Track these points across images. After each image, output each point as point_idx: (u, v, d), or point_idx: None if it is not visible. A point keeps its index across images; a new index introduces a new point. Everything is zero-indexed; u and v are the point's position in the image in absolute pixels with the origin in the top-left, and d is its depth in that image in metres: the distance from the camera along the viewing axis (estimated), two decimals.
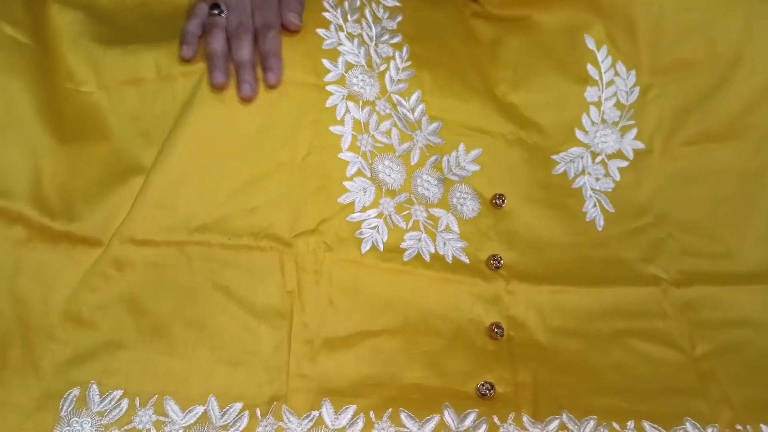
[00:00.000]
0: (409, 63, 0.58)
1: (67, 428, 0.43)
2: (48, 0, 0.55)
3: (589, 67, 0.61)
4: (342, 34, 0.57)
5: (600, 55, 0.61)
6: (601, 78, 0.61)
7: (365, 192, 0.54)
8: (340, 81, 0.55)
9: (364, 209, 0.53)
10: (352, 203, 0.53)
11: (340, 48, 0.56)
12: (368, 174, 0.54)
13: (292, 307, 0.49)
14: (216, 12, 0.54)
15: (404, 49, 0.59)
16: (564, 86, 0.61)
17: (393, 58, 0.58)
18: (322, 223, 0.52)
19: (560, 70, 0.61)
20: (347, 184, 0.54)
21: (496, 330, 0.51)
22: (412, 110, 0.57)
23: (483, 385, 0.47)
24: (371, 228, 0.53)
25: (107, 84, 0.53)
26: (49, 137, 0.52)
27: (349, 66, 0.56)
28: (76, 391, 0.45)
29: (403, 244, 0.53)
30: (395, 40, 0.59)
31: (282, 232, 0.51)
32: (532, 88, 0.61)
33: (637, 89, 0.61)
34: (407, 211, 0.55)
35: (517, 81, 0.61)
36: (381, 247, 0.53)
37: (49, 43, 0.54)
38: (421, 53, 0.59)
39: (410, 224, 0.54)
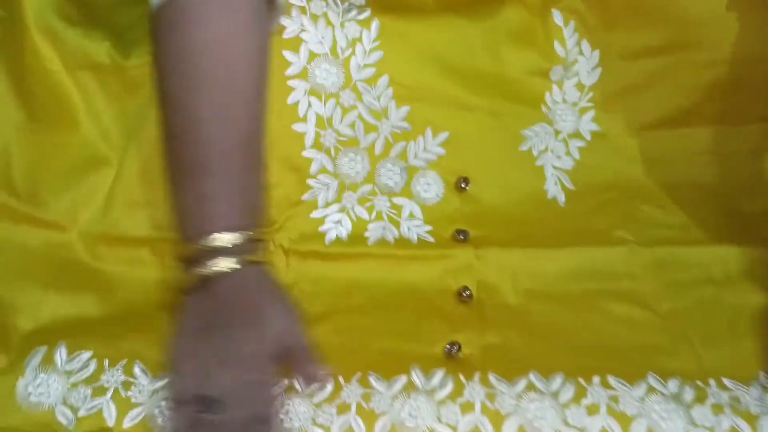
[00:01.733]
0: (377, 43, 0.58)
1: (33, 381, 0.46)
2: None
3: (556, 45, 0.60)
4: (305, 18, 0.56)
5: (567, 32, 0.60)
6: (566, 56, 0.60)
7: (328, 188, 0.56)
8: (302, 74, 0.55)
9: (327, 205, 0.56)
10: (315, 200, 0.55)
11: (302, 35, 0.56)
12: (331, 170, 0.56)
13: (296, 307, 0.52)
14: (215, 410, 0.43)
15: (372, 26, 0.58)
16: (534, 62, 0.60)
17: (360, 39, 0.57)
18: (287, 220, 0.54)
19: (533, 45, 0.60)
20: (310, 181, 0.56)
21: (464, 294, 0.53)
22: (379, 97, 0.58)
23: (449, 345, 0.49)
24: (334, 222, 0.55)
25: (70, 66, 0.54)
26: (21, 114, 0.54)
27: (312, 56, 0.56)
28: (43, 349, 0.47)
29: (367, 233, 0.56)
30: (363, 16, 0.58)
31: None
32: (508, 60, 0.60)
33: (598, 70, 0.60)
34: (370, 203, 0.56)
35: (495, 51, 0.60)
36: (345, 237, 0.55)
37: (17, 15, 0.54)
38: (392, 26, 0.58)
39: (373, 215, 0.56)
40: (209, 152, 0.48)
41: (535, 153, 0.60)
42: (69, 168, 0.54)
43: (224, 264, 0.46)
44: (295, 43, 0.55)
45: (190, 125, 0.48)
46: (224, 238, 0.47)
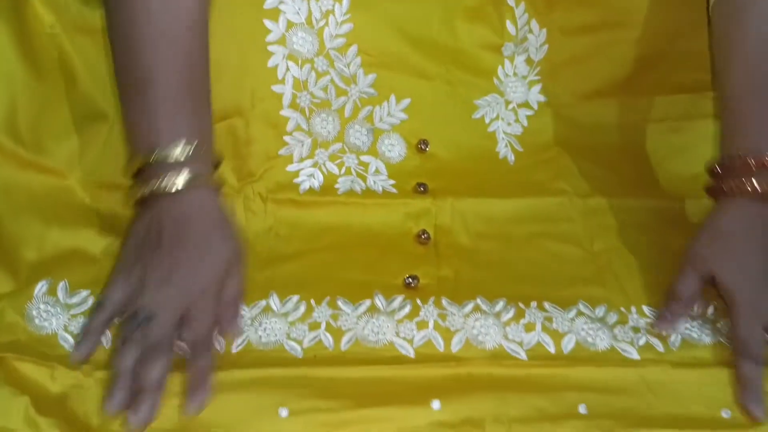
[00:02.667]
0: (348, 16, 0.63)
1: (38, 308, 0.50)
2: None
3: (508, 24, 0.66)
4: None
5: (518, 12, 0.66)
6: (517, 34, 0.66)
7: (302, 145, 0.62)
8: (281, 41, 0.60)
9: (301, 160, 0.61)
10: (290, 155, 0.61)
11: (281, 6, 0.60)
12: (306, 128, 0.62)
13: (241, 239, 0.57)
14: (137, 322, 0.46)
15: (344, 0, 0.63)
16: (488, 38, 0.66)
17: (332, 12, 0.62)
18: (265, 172, 0.60)
19: (487, 23, 0.66)
20: (287, 138, 0.61)
21: (423, 236, 0.58)
22: (348, 65, 0.63)
23: (409, 277, 0.55)
24: (308, 175, 0.61)
25: (69, 29, 0.58)
26: (26, 73, 0.58)
27: (289, 24, 0.60)
28: (48, 281, 0.51)
29: (336, 185, 0.61)
30: None
31: (231, 179, 0.59)
32: (463, 36, 0.66)
33: (546, 47, 0.67)
34: (340, 160, 0.62)
35: (452, 26, 0.65)
36: (317, 188, 0.61)
37: None
38: (362, 0, 0.63)
39: (343, 170, 0.62)
40: (153, 68, 0.51)
41: (487, 120, 0.67)
42: (69, 120, 0.58)
43: (170, 180, 0.48)
44: (275, 13, 0.60)
45: (136, 46, 0.51)
46: (169, 152, 0.49)
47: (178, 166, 0.49)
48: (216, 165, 0.54)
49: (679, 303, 0.52)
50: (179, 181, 0.49)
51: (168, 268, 0.48)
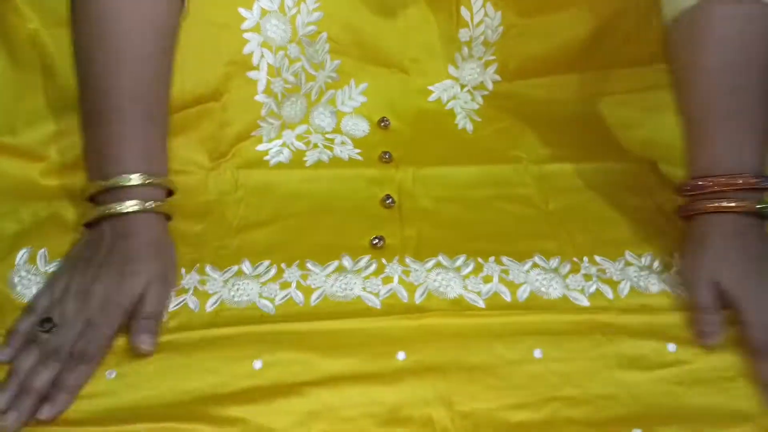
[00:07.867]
0: (318, 4, 0.62)
1: (22, 273, 0.49)
2: None
3: (463, 10, 0.66)
4: None
5: None
6: (471, 19, 0.67)
7: (272, 126, 0.61)
8: (256, 28, 0.59)
9: (270, 140, 0.61)
10: (260, 136, 0.61)
11: None
12: (276, 111, 0.61)
13: (214, 210, 0.57)
14: (44, 328, 0.45)
15: None
16: (442, 28, 0.67)
17: (304, 0, 0.62)
18: (237, 151, 0.60)
19: (443, 11, 0.67)
20: (260, 121, 0.61)
21: (388, 200, 0.58)
22: (318, 52, 0.63)
23: (375, 238, 0.54)
24: (277, 153, 0.61)
25: (49, 24, 0.54)
26: (3, 62, 0.55)
27: (263, 12, 0.59)
28: (28, 250, 0.50)
29: (305, 158, 0.62)
30: None
31: (204, 161, 0.58)
32: (421, 24, 0.67)
33: (501, 29, 0.67)
34: (306, 139, 0.63)
35: (411, 16, 0.67)
36: (286, 161, 0.61)
37: None
38: None
39: (310, 146, 0.63)
40: (106, 101, 0.50)
41: (443, 101, 0.68)
42: (45, 109, 0.56)
43: (120, 204, 0.48)
44: (249, 1, 0.58)
45: (89, 78, 0.51)
46: (125, 181, 0.49)
47: (131, 192, 0.49)
48: (169, 193, 0.53)
49: (707, 311, 0.48)
50: (128, 205, 0.49)
51: (90, 281, 0.46)
